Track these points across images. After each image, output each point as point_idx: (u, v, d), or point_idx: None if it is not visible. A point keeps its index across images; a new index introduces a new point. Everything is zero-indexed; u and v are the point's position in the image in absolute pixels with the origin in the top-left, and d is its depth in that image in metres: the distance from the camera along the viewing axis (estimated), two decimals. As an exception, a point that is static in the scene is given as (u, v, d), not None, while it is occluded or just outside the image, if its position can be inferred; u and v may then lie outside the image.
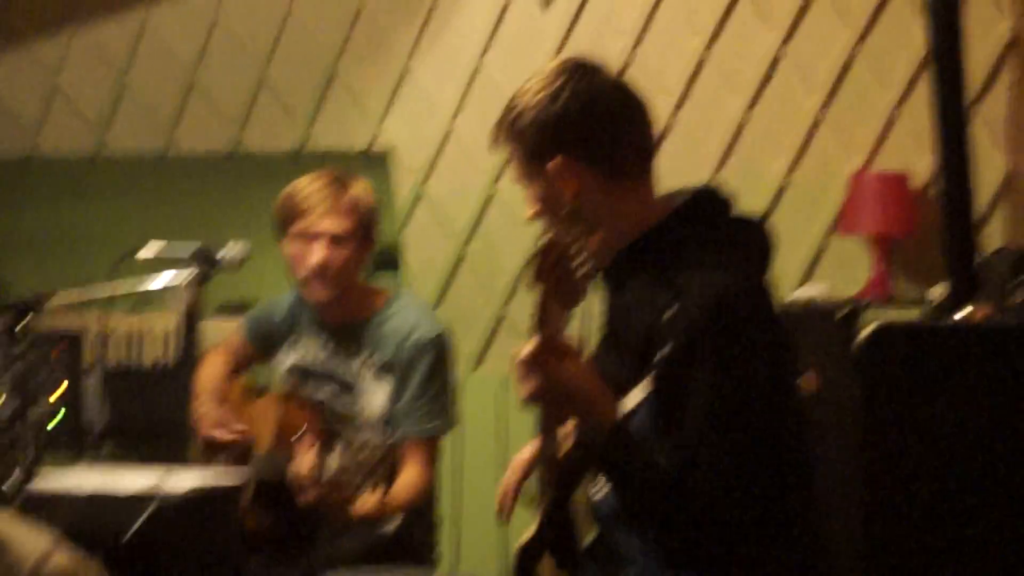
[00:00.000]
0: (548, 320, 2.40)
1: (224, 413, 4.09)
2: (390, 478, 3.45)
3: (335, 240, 3.91)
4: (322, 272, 3.92)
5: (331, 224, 3.91)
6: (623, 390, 2.61)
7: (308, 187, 3.95)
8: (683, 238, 2.64)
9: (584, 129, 2.65)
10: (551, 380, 2.46)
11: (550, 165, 2.63)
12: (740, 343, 2.51)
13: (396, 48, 5.64)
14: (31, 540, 1.37)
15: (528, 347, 2.44)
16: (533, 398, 2.50)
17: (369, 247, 4.03)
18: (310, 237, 3.92)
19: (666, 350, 2.52)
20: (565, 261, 2.31)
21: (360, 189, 3.97)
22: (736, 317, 2.52)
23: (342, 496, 3.50)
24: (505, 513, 3.08)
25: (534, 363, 2.44)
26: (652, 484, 2.49)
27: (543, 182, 2.67)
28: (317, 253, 3.91)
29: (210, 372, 4.30)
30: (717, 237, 2.66)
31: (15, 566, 1.34)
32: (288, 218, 3.97)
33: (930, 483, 4.05)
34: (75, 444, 4.52)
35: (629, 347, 2.66)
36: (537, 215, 2.71)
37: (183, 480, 3.39)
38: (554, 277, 2.33)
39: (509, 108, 2.70)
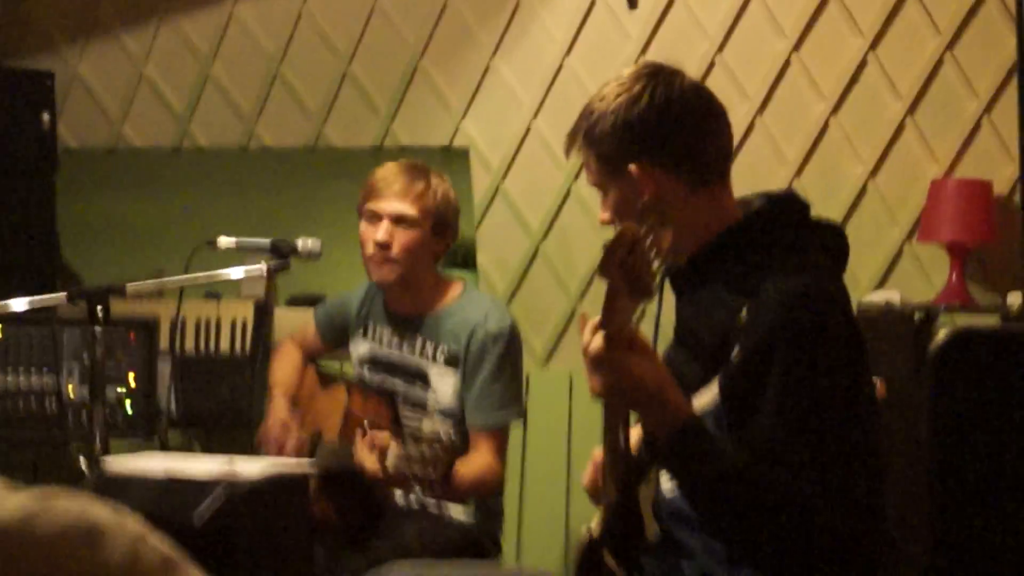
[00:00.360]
0: (616, 312, 2.38)
1: (288, 422, 4.12)
2: (446, 480, 3.47)
3: (398, 221, 3.96)
4: (382, 251, 3.96)
5: (396, 206, 3.97)
6: (693, 392, 2.60)
7: (387, 169, 4.03)
8: (760, 241, 2.63)
9: (663, 134, 2.64)
10: (619, 373, 2.42)
11: (629, 169, 2.63)
12: (818, 343, 2.49)
13: (479, 45, 5.64)
14: (123, 523, 1.36)
15: (596, 340, 2.42)
16: (601, 391, 2.47)
17: (442, 240, 4.05)
18: (377, 217, 3.97)
19: (739, 351, 2.51)
20: (636, 253, 2.28)
21: (435, 180, 4.02)
22: (814, 317, 2.50)
23: (405, 485, 3.54)
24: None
25: (602, 356, 2.42)
26: (722, 479, 2.47)
27: (619, 188, 2.66)
28: (380, 232, 3.97)
29: (284, 364, 4.34)
30: (794, 239, 2.65)
31: (110, 550, 1.33)
32: (363, 197, 4.04)
33: (1000, 491, 4.00)
34: (147, 429, 4.56)
35: (702, 349, 2.64)
36: (611, 220, 2.70)
37: (253, 466, 3.41)
38: (624, 269, 2.30)
39: (586, 114, 2.70)
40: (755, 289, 2.53)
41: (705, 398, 2.57)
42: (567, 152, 2.76)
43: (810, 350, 2.47)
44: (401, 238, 3.96)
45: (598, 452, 2.99)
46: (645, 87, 2.64)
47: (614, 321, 2.38)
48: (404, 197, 3.96)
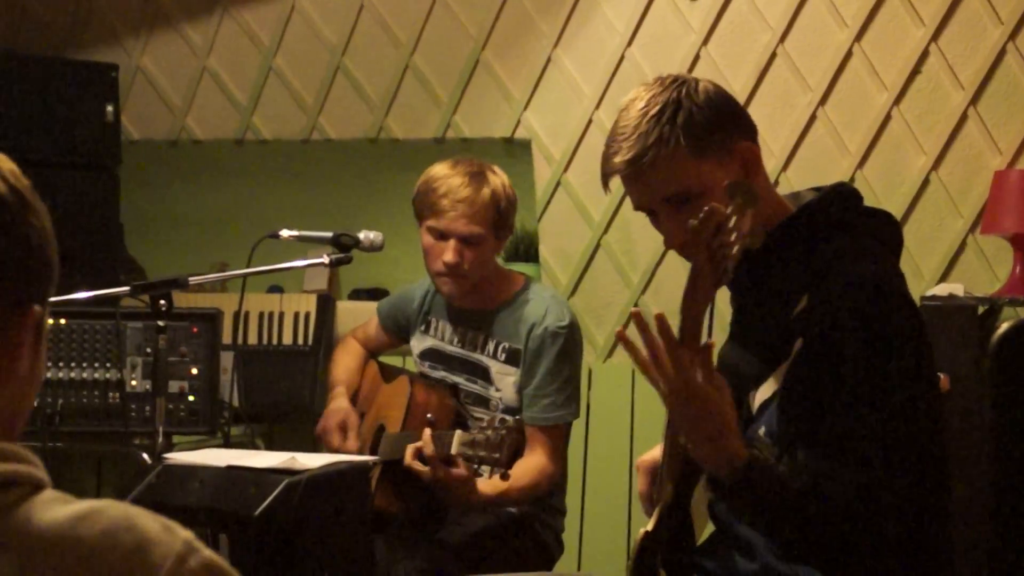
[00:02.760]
0: (696, 297, 2.31)
1: (348, 420, 4.11)
2: (512, 461, 3.46)
3: (467, 241, 3.92)
4: (453, 272, 3.93)
5: (464, 228, 3.90)
6: (752, 388, 2.58)
7: (447, 181, 3.93)
8: (817, 233, 2.59)
9: (716, 120, 2.60)
10: (684, 379, 2.31)
11: (702, 169, 2.55)
12: (888, 331, 2.44)
13: (541, 37, 5.63)
14: (171, 530, 1.38)
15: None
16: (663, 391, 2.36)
17: (503, 237, 4.03)
18: (443, 236, 3.93)
19: (802, 342, 2.48)
20: (720, 234, 2.23)
21: (497, 183, 3.95)
22: (883, 305, 2.46)
23: (465, 474, 3.54)
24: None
25: (676, 352, 2.30)
26: (786, 511, 2.43)
27: (708, 174, 2.56)
28: (450, 254, 3.91)
29: (346, 361, 4.35)
30: (851, 229, 2.61)
31: (157, 556, 1.35)
32: (425, 210, 3.97)
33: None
34: (210, 423, 4.59)
35: (760, 343, 2.62)
36: (678, 245, 2.60)
37: (315, 459, 3.42)
38: (710, 250, 2.24)
39: (616, 150, 2.62)
40: (814, 281, 2.50)
41: (765, 393, 2.55)
42: (605, 185, 2.72)
43: (881, 339, 2.43)
44: (470, 255, 3.92)
45: (643, 459, 2.97)
46: (665, 99, 2.58)
47: (692, 308, 2.32)
48: (472, 219, 3.88)
